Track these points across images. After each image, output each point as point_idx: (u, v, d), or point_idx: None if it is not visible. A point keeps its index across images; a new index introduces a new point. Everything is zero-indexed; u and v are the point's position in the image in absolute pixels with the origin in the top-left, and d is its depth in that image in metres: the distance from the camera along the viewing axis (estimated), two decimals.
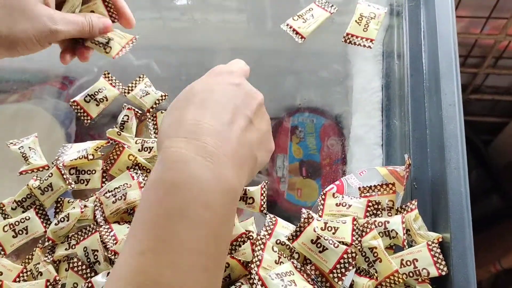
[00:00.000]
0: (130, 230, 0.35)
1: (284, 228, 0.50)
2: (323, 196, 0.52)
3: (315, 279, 0.46)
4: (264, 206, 0.52)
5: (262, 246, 0.47)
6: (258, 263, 0.46)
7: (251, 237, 0.48)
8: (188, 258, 0.32)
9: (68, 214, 0.51)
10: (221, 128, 0.37)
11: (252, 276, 0.45)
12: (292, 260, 0.47)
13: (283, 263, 0.47)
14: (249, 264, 0.46)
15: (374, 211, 0.50)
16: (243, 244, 0.47)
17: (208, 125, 0.37)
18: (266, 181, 0.53)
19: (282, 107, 0.96)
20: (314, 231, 0.47)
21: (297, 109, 0.94)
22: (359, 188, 0.52)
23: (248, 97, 0.41)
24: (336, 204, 0.51)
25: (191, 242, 0.33)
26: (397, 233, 0.47)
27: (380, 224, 0.48)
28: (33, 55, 0.91)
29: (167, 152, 0.35)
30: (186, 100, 0.39)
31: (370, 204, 0.50)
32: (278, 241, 0.48)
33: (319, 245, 0.46)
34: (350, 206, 0.51)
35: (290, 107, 0.96)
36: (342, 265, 0.46)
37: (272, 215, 0.51)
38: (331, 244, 0.46)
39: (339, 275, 0.45)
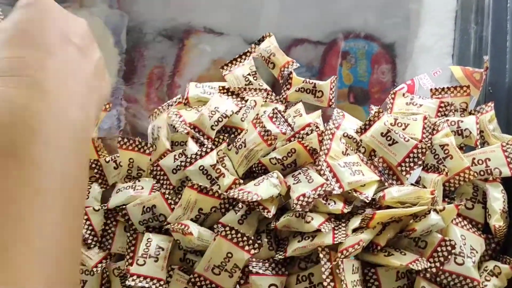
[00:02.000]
0: None
1: (351, 122, 0.49)
2: (392, 95, 0.51)
3: (382, 171, 0.46)
4: (333, 101, 0.52)
5: (330, 136, 0.46)
6: (326, 151, 0.45)
7: (317, 129, 0.47)
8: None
9: None
10: (42, 59, 0.31)
11: (320, 163, 0.45)
12: (358, 153, 0.47)
13: (349, 155, 0.47)
14: (315, 151, 0.45)
15: (446, 112, 0.49)
16: (311, 133, 0.47)
17: (31, 58, 0.30)
18: (336, 76, 0.52)
19: (335, 29, 0.93)
20: (385, 124, 0.46)
21: (350, 33, 0.91)
22: (431, 90, 0.51)
23: (72, 23, 0.34)
24: (406, 103, 0.50)
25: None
26: (470, 132, 0.46)
27: (453, 123, 0.47)
28: None
29: None
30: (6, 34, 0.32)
31: (442, 104, 0.49)
32: (345, 134, 0.48)
33: (389, 138, 0.46)
34: (421, 105, 0.50)
35: (344, 31, 0.93)
36: (411, 159, 0.45)
37: (339, 110, 0.50)
38: (402, 138, 0.45)
39: (407, 168, 0.45)
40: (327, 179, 0.43)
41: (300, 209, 0.42)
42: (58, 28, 0.33)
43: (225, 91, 0.50)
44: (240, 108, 0.48)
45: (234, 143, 0.47)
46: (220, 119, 0.47)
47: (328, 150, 0.46)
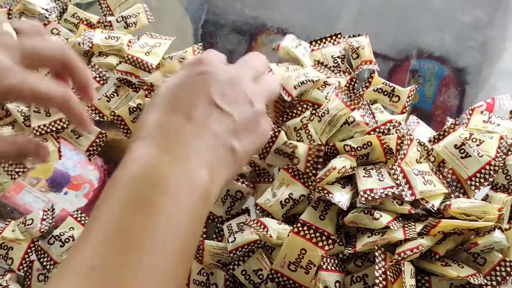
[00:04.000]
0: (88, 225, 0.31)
1: (425, 130, 0.50)
2: (470, 111, 0.51)
3: (451, 183, 0.46)
4: (407, 108, 0.52)
5: (409, 142, 0.46)
6: (402, 156, 0.45)
7: (399, 126, 0.47)
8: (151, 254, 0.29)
9: None
10: (181, 124, 0.35)
11: (394, 167, 0.44)
12: (428, 162, 0.47)
13: (421, 163, 0.47)
14: (390, 152, 0.46)
15: None
16: (392, 129, 0.47)
17: (167, 124, 0.35)
18: (416, 86, 0.53)
19: (408, 46, 0.93)
20: (460, 137, 0.46)
21: (423, 52, 0.90)
22: (511, 112, 0.50)
23: (215, 83, 0.37)
24: (484, 121, 0.50)
25: (155, 238, 0.30)
26: None
27: None
28: None
29: (130, 153, 0.33)
30: (152, 100, 0.37)
31: None
32: (418, 141, 0.48)
33: (462, 151, 0.46)
34: (498, 125, 0.49)
35: (417, 49, 0.93)
36: (482, 175, 0.45)
37: (416, 117, 0.51)
38: (476, 152, 0.45)
39: (477, 183, 0.45)
40: (399, 184, 0.43)
41: (364, 202, 0.42)
42: (196, 91, 0.36)
43: (318, 64, 0.53)
44: (327, 80, 0.50)
45: (317, 113, 0.49)
46: (305, 81, 0.50)
47: (405, 156, 0.46)
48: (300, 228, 0.43)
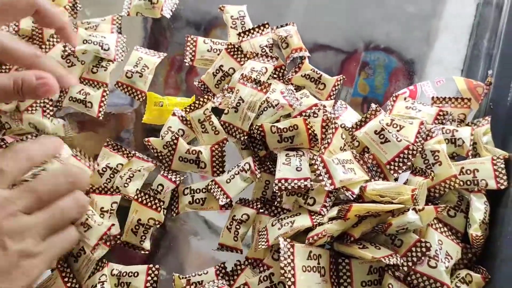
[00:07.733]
0: None
1: (352, 116, 0.50)
2: (394, 98, 0.52)
3: (371, 168, 0.47)
4: (332, 98, 0.53)
5: (333, 130, 0.47)
6: (326, 145, 0.46)
7: (325, 111, 0.48)
8: None
9: None
10: None
11: (315, 158, 0.45)
12: (352, 149, 0.48)
13: (345, 150, 0.48)
14: (315, 138, 0.46)
15: (443, 121, 0.49)
16: (318, 112, 0.48)
17: None
18: (343, 76, 0.53)
19: (357, 38, 0.94)
20: (380, 123, 0.47)
21: (371, 44, 0.91)
22: (432, 98, 0.51)
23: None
24: (406, 107, 0.51)
25: None
26: (463, 142, 0.47)
27: (448, 131, 0.47)
28: None
29: None
30: None
31: (440, 113, 0.50)
32: (343, 125, 0.49)
33: (381, 136, 0.47)
34: (420, 111, 0.50)
35: (365, 41, 0.93)
36: (400, 159, 0.46)
37: (344, 102, 0.51)
38: (394, 137, 0.46)
39: (396, 168, 0.46)
40: (319, 174, 0.44)
41: (277, 191, 0.44)
42: None
43: (231, 47, 0.53)
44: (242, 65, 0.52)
45: (230, 105, 0.49)
46: (222, 78, 0.51)
47: (329, 144, 0.46)
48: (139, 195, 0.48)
